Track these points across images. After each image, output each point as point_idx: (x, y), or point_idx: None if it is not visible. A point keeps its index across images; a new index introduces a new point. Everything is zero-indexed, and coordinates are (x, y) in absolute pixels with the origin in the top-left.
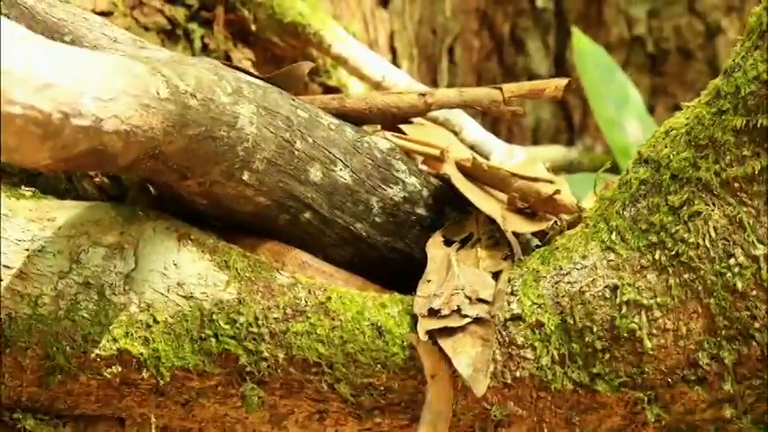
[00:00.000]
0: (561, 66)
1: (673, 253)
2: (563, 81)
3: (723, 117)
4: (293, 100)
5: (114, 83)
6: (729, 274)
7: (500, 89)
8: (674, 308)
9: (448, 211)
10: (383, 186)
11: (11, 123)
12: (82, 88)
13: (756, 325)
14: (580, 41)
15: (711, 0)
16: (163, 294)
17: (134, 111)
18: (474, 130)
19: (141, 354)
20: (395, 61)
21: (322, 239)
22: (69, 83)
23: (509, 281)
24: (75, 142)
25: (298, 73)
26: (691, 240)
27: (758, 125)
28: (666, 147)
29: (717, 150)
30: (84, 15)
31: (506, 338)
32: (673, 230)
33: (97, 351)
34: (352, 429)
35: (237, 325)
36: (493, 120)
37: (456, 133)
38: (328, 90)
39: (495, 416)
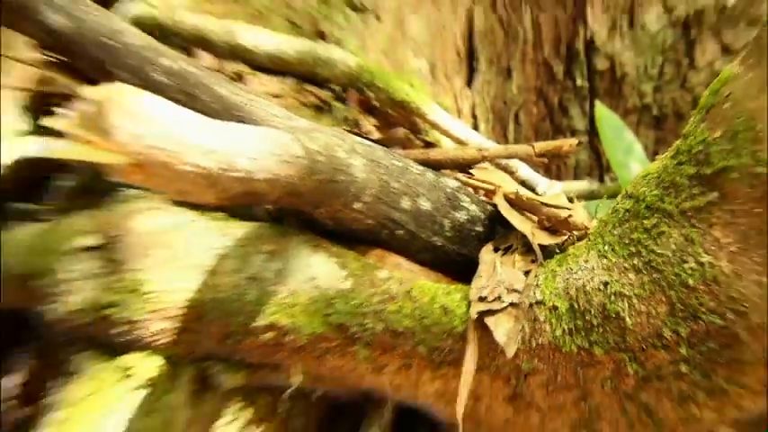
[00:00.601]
0: (593, 124)
1: (646, 260)
2: (575, 140)
3: (681, 167)
4: (392, 154)
5: (263, 147)
6: (684, 275)
7: (532, 146)
8: (647, 297)
9: (498, 228)
10: (452, 212)
11: (185, 177)
12: (238, 151)
13: (702, 309)
14: (600, 110)
15: (697, 79)
16: (302, 285)
17: (277, 165)
18: (525, 170)
19: (287, 324)
20: (475, 124)
21: (411, 248)
22: (228, 148)
23: (535, 277)
24: (231, 187)
25: (396, 136)
26: (658, 251)
27: (704, 173)
28: (643, 186)
29: (676, 189)
30: (254, 98)
31: (532, 316)
32: (646, 244)
33: (257, 323)
34: (429, 376)
35: (350, 306)
36: (548, 164)
37: (513, 173)
38: (427, 144)
39: (524, 369)
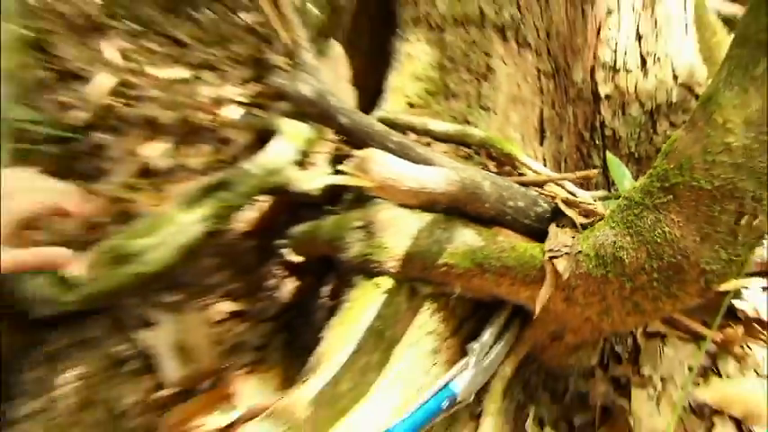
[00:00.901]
0: (605, 163)
1: (635, 230)
2: (595, 171)
3: (653, 182)
4: (503, 179)
5: (440, 177)
6: (656, 237)
7: (575, 174)
8: (635, 249)
9: (558, 215)
10: (534, 207)
11: (403, 193)
12: (427, 179)
13: (664, 254)
14: (609, 156)
15: (658, 140)
16: (459, 244)
17: (447, 186)
18: (571, 186)
19: (452, 263)
20: (545, 164)
21: (514, 225)
22: (423, 178)
23: (578, 240)
24: (424, 198)
25: (505, 171)
26: (641, 225)
27: (664, 186)
28: (633, 193)
29: (650, 194)
30: (436, 154)
31: (577, 259)
32: (635, 221)
33: (438, 262)
34: (524, 289)
35: (484, 254)
36: (583, 183)
37: (564, 187)
38: (520, 174)
39: (572, 285)
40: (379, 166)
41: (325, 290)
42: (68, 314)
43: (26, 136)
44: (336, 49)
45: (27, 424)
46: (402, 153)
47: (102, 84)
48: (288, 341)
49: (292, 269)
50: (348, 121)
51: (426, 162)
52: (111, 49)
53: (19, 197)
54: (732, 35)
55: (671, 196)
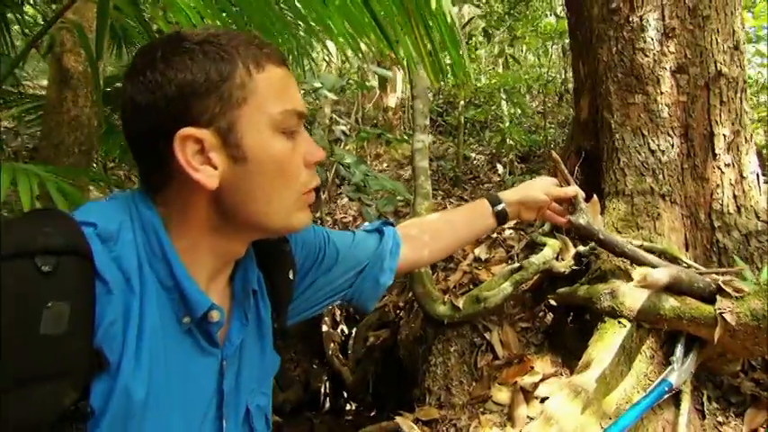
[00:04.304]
0: (720, 262)
1: None
2: (738, 269)
3: None
4: (690, 270)
5: (663, 274)
6: None
7: (725, 269)
8: None
9: (720, 290)
10: (708, 286)
11: (651, 284)
12: (659, 275)
13: None
14: (737, 258)
15: (752, 250)
16: (667, 305)
17: (665, 278)
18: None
19: (662, 314)
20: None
21: (696, 295)
22: (658, 275)
23: (736, 304)
24: (654, 284)
25: (687, 267)
26: None
27: None
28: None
29: None
30: (649, 255)
31: (738, 315)
32: None
33: (656, 312)
34: (703, 328)
35: (680, 310)
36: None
37: (716, 274)
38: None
39: (735, 329)
40: (651, 275)
41: (570, 320)
42: (454, 322)
43: None
44: (594, 197)
45: (433, 370)
46: (633, 255)
47: None
48: (551, 342)
49: (551, 308)
50: (603, 236)
51: (645, 260)
52: None
53: None
54: None
55: None
